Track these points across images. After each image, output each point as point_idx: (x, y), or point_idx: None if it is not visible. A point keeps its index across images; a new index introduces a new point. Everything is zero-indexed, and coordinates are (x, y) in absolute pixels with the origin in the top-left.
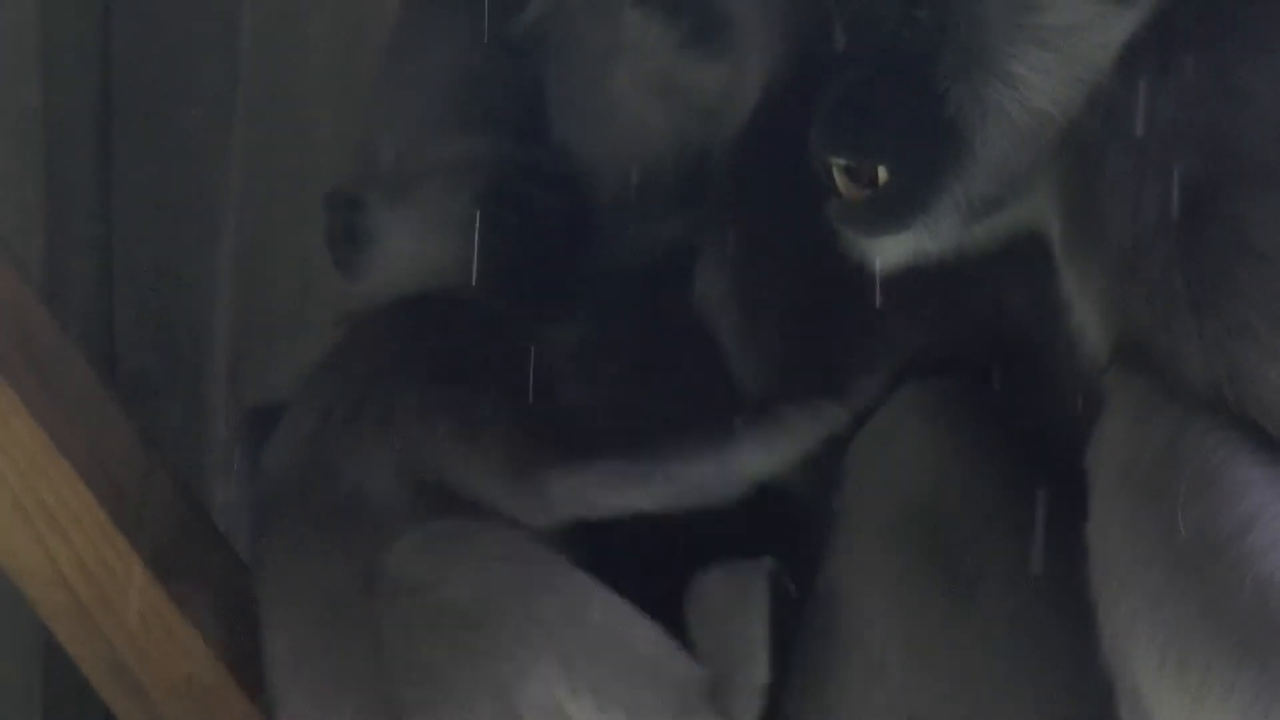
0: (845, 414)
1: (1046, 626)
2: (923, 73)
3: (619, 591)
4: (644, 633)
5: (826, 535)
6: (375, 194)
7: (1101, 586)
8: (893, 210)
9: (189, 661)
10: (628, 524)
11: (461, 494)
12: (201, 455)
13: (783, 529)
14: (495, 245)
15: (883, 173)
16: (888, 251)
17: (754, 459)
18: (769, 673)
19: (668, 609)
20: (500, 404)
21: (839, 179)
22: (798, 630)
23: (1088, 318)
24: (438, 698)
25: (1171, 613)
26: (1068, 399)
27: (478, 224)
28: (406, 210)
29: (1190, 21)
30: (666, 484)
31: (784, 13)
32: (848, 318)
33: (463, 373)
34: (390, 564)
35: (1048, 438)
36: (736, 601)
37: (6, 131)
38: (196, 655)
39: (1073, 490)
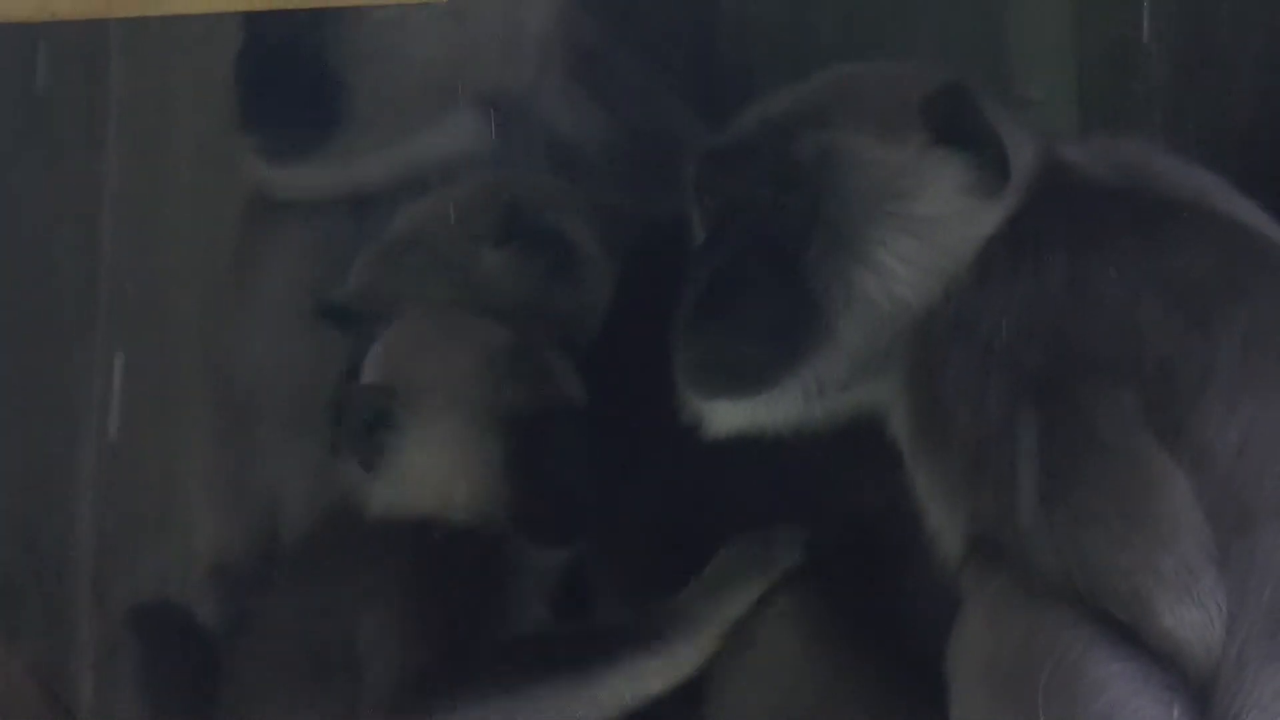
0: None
1: None
2: (790, 257)
3: None
4: None
5: None
6: (398, 405)
7: None
8: (739, 378)
9: None
10: None
11: None
12: (66, 655)
13: None
14: (511, 477)
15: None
16: (724, 417)
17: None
18: None
19: None
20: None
21: None
22: None
23: (941, 517)
24: None
25: None
26: (929, 598)
27: (498, 457)
28: (426, 430)
29: (1041, 222)
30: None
31: (620, 234)
32: (704, 526)
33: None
34: None
35: (911, 636)
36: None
37: None
38: None
39: (937, 689)
